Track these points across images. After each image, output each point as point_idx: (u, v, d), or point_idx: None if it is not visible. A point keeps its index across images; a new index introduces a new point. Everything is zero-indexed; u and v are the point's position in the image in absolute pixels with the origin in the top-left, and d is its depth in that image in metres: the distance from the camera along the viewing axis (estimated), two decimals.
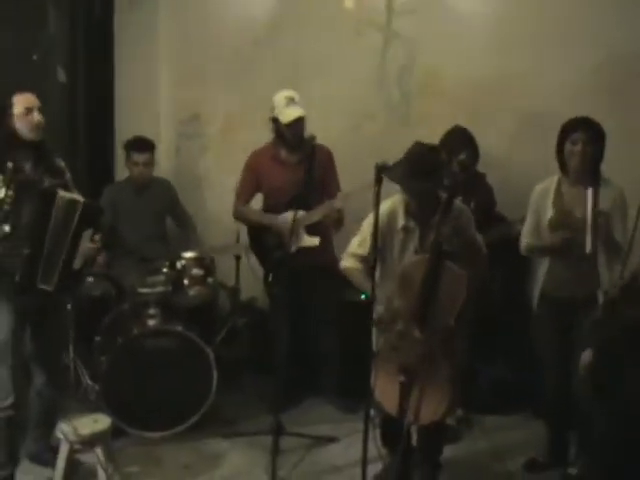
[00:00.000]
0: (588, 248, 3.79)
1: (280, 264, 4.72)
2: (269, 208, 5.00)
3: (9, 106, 3.67)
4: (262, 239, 4.99)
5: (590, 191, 3.78)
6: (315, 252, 4.80)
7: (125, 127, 6.11)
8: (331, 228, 4.88)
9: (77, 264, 3.81)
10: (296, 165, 4.89)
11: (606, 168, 4.07)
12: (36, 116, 3.70)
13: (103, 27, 6.14)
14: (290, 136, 4.85)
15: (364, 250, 3.91)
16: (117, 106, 6.26)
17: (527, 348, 4.38)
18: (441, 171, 3.75)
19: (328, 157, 4.96)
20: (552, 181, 4.15)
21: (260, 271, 5.03)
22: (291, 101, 4.81)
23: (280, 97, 4.83)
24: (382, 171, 3.48)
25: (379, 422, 4.00)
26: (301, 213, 4.71)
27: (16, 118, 3.68)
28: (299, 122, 4.81)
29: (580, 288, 3.97)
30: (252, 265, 5.11)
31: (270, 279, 4.86)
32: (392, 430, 3.83)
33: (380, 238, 3.67)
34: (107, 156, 6.23)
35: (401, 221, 3.83)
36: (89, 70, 6.11)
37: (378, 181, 3.46)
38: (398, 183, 3.74)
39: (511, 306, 4.85)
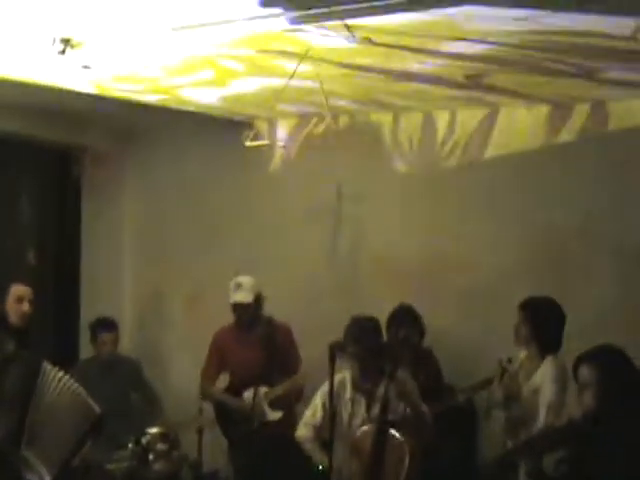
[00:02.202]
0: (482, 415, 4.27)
1: (244, 439, 5.03)
2: (234, 385, 5.28)
3: (5, 293, 4.04)
4: (227, 414, 5.25)
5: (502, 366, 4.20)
6: (279, 424, 5.05)
7: (90, 306, 6.42)
8: (293, 400, 5.15)
9: (75, 462, 4.05)
10: (256, 344, 5.19)
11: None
12: (25, 305, 4.06)
13: (72, 215, 6.58)
14: (236, 317, 5.23)
15: (315, 419, 4.27)
16: (83, 287, 6.60)
17: None
18: (376, 333, 4.19)
19: (287, 334, 5.29)
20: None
21: (224, 443, 5.27)
22: (238, 287, 5.20)
23: (232, 282, 5.22)
24: (336, 349, 3.86)
25: None
26: (263, 390, 5.06)
27: (8, 305, 4.04)
28: (242, 306, 5.17)
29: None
30: (217, 437, 5.33)
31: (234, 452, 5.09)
32: None
33: (331, 410, 3.99)
34: (73, 335, 6.50)
35: (348, 393, 4.18)
36: (57, 254, 6.50)
37: (332, 359, 3.83)
38: (341, 352, 4.10)
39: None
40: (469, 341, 5.40)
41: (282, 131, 6.06)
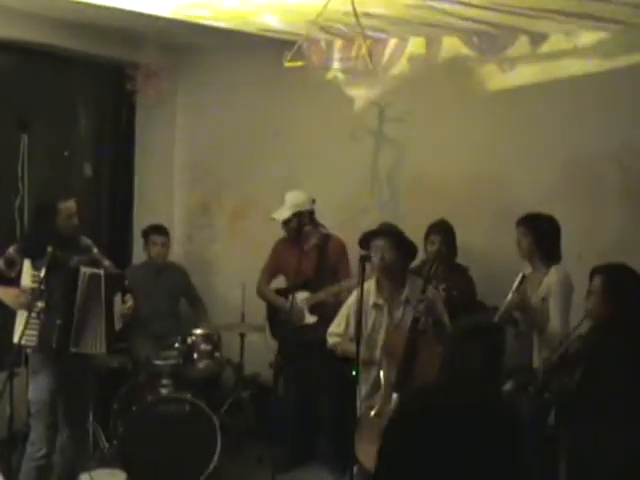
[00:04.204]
0: (495, 318, 4.34)
1: (287, 338, 5.39)
2: (288, 288, 5.64)
3: (55, 211, 4.35)
4: (275, 313, 5.65)
5: (519, 276, 4.33)
6: (317, 328, 5.34)
7: (142, 217, 6.77)
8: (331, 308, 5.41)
9: (117, 326, 4.44)
10: (307, 253, 5.52)
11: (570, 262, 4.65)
12: (75, 220, 4.41)
13: (126, 128, 6.87)
14: (285, 231, 5.57)
15: (340, 329, 4.60)
16: (136, 198, 6.95)
17: None
18: (397, 234, 4.48)
19: (340, 247, 5.58)
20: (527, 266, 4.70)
21: (264, 349, 5.65)
22: (282, 204, 5.54)
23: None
24: (365, 261, 4.14)
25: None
26: (304, 294, 5.42)
27: (59, 221, 4.36)
28: (285, 222, 5.50)
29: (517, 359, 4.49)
30: (258, 343, 5.70)
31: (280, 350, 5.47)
32: None
33: (359, 314, 4.28)
34: (126, 243, 6.87)
35: (372, 299, 4.46)
36: (112, 166, 6.83)
37: (362, 269, 4.10)
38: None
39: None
40: (502, 260, 5.56)
41: (326, 52, 6.22)
